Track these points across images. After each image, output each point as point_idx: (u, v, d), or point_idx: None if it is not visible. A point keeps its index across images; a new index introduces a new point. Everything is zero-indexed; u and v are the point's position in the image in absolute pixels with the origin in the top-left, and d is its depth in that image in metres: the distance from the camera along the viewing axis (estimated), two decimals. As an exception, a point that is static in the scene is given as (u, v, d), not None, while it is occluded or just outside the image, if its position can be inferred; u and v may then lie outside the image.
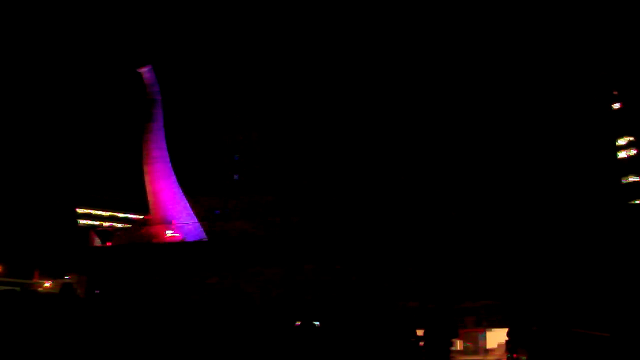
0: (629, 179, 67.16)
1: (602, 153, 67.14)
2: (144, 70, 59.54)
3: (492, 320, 32.69)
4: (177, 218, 57.33)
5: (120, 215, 69.44)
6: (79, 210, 67.68)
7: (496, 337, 31.88)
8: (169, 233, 56.36)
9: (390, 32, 71.23)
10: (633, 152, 68.57)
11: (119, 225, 66.76)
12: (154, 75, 59.89)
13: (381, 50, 70.92)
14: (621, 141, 69.24)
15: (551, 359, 20.01)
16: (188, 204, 58.50)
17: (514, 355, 23.12)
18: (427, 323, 17.63)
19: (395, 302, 33.99)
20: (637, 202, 62.41)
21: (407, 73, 69.55)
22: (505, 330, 25.70)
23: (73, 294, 14.53)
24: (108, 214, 69.25)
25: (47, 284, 53.38)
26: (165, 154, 58.94)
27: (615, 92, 69.90)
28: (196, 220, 58.00)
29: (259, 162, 68.25)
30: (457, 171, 62.89)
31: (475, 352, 33.91)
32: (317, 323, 13.28)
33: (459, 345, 32.83)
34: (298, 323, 12.91)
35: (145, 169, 58.52)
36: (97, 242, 60.29)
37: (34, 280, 54.54)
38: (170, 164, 58.83)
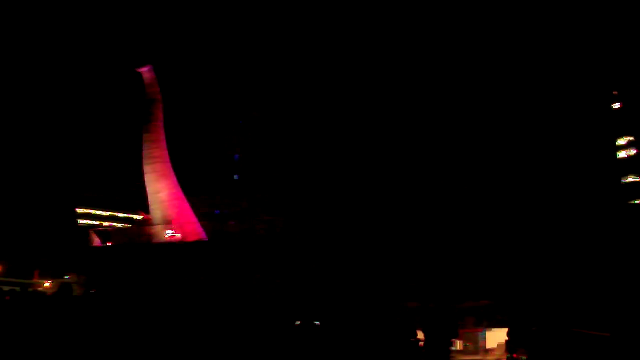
0: (629, 179, 67.08)
1: (602, 153, 67.11)
2: (144, 70, 59.56)
3: (492, 320, 32.68)
4: (177, 218, 57.30)
5: (120, 215, 69.40)
6: (79, 210, 67.65)
7: (496, 337, 31.87)
8: (169, 233, 56.35)
9: (389, 31, 71.22)
10: (633, 152, 68.48)
11: (119, 225, 66.70)
12: (154, 75, 59.90)
13: (381, 50, 70.89)
14: (621, 141, 69.15)
15: (551, 359, 19.99)
16: (188, 204, 58.48)
17: (514, 355, 23.12)
18: (427, 323, 17.64)
19: (395, 302, 33.98)
20: (637, 202, 62.35)
21: (406, 73, 69.52)
22: (505, 330, 25.70)
23: (71, 294, 14.52)
24: (108, 214, 69.20)
25: (47, 284, 53.32)
26: (165, 154, 58.93)
27: (615, 92, 69.85)
28: (196, 220, 57.99)
29: (258, 161, 68.26)
30: (457, 171, 62.87)
31: (475, 352, 33.88)
32: (317, 323, 13.27)
33: (459, 345, 32.82)
34: (298, 323, 12.90)
35: (145, 169, 58.52)
36: (97, 242, 60.27)
37: (34, 280, 54.48)
38: (170, 164, 58.83)
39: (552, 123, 65.04)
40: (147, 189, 58.50)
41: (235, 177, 67.71)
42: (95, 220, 66.43)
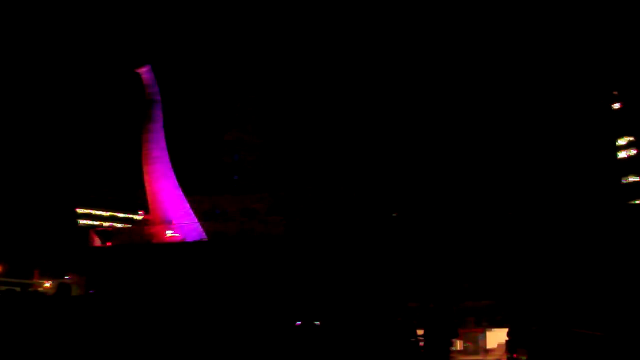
0: (629, 179, 67.12)
1: (602, 153, 67.16)
2: (143, 71, 59.50)
3: (492, 320, 32.68)
4: (177, 218, 57.30)
5: (120, 215, 69.42)
6: (79, 210, 67.69)
7: (496, 337, 31.85)
8: (169, 233, 56.33)
9: (389, 32, 71.26)
10: (633, 152, 68.51)
11: (119, 225, 66.69)
12: (153, 75, 59.86)
13: (380, 50, 70.93)
14: (621, 141, 69.20)
15: (551, 359, 19.99)
16: (188, 204, 58.48)
17: (514, 355, 23.12)
18: (427, 323, 17.63)
19: (395, 302, 33.97)
20: (637, 202, 62.36)
21: (406, 73, 69.57)
22: (505, 330, 25.69)
23: (70, 294, 14.51)
24: (108, 214, 69.22)
25: (47, 284, 53.34)
26: (165, 154, 58.92)
27: (615, 92, 69.89)
28: (196, 220, 57.98)
29: (258, 161, 68.31)
30: (457, 171, 62.90)
31: (475, 352, 33.88)
32: (317, 323, 13.27)
33: (459, 345, 32.81)
34: (298, 323, 12.90)
35: (145, 169, 58.49)
36: (97, 242, 60.24)
37: (34, 280, 54.51)
38: (170, 164, 58.82)
39: (552, 123, 65.08)
40: (147, 189, 58.49)
41: (235, 177, 67.76)
42: (95, 220, 66.42)
